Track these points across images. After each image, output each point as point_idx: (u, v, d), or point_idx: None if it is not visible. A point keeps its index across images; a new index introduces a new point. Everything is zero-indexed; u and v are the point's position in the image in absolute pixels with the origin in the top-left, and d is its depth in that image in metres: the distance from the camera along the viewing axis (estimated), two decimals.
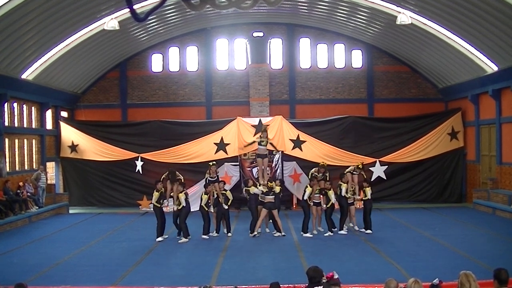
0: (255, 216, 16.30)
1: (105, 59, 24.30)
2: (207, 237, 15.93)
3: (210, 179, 18.11)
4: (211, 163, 18.85)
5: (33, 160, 22.30)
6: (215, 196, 16.35)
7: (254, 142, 20.90)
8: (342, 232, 16.30)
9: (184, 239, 15.61)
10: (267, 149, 20.38)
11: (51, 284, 10.53)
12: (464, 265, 10.36)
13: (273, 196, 16.01)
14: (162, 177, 17.65)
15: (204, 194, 16.23)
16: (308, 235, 16.04)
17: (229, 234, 16.34)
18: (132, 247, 14.71)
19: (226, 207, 16.35)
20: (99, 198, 23.93)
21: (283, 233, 16.12)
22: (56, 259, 13.19)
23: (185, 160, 22.09)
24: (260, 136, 19.64)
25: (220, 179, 18.01)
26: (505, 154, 20.48)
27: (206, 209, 16.01)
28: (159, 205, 15.97)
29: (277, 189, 16.18)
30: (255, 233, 16.04)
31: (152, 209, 21.98)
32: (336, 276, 6.16)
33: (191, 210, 16.23)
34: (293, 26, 25.57)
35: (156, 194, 15.94)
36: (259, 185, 16.69)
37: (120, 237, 16.56)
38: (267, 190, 16.00)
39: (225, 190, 16.84)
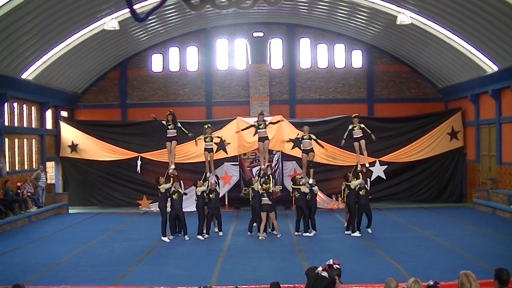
0: (256, 216, 16.22)
1: (105, 59, 24.29)
2: (202, 238, 15.91)
3: (206, 145, 17.80)
4: (206, 126, 18.70)
5: (33, 160, 22.28)
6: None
7: (252, 126, 19.47)
8: (355, 234, 15.98)
9: (187, 237, 15.78)
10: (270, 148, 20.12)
11: (51, 284, 10.55)
12: (464, 265, 10.35)
13: (269, 198, 15.93)
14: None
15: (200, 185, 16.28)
16: (307, 234, 16.05)
17: (220, 234, 16.29)
18: (132, 247, 14.71)
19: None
20: (99, 198, 23.93)
21: (279, 234, 16.10)
22: (56, 259, 13.20)
23: (185, 160, 22.06)
24: (257, 120, 18.97)
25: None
26: (505, 154, 20.48)
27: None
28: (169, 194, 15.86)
29: (277, 188, 16.06)
30: (261, 237, 15.74)
31: (151, 209, 21.86)
32: (331, 263, 6.31)
33: (188, 210, 16.16)
34: (293, 26, 25.58)
35: (164, 185, 15.85)
36: (259, 180, 16.44)
37: (120, 237, 16.56)
38: (263, 191, 15.87)
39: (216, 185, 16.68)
